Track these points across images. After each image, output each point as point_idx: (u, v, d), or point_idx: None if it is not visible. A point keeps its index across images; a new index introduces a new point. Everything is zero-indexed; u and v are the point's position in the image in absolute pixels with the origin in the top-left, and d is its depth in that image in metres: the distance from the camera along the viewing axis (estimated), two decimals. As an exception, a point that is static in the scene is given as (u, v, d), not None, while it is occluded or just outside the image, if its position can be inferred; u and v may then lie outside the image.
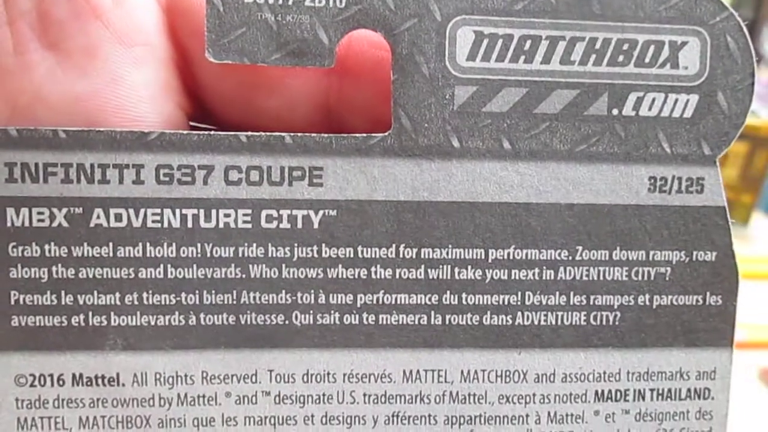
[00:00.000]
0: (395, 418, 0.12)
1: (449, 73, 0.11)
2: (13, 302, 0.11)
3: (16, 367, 0.11)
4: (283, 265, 0.11)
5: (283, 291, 0.11)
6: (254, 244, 0.11)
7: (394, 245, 0.11)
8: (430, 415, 0.12)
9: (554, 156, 0.12)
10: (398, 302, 0.12)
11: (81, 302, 0.11)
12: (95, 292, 0.11)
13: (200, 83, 0.12)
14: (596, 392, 0.12)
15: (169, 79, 0.11)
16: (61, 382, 0.11)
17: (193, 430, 0.12)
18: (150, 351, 0.11)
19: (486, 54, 0.11)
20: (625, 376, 0.12)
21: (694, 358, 0.12)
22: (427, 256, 0.12)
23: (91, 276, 0.11)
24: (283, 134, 0.11)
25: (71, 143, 0.11)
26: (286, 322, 0.11)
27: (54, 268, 0.11)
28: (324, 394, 0.12)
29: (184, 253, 0.11)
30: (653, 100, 0.12)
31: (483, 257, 0.12)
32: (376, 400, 0.12)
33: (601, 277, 0.12)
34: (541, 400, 0.12)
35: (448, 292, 0.12)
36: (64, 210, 0.11)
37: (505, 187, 0.12)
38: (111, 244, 0.11)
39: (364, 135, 0.11)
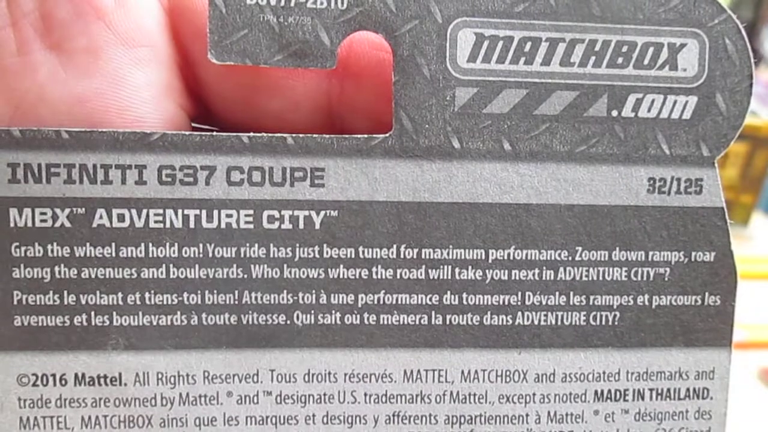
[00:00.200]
0: (396, 418, 0.12)
1: (450, 75, 0.11)
2: (15, 302, 0.11)
3: (18, 366, 0.11)
4: (285, 266, 0.11)
5: (285, 291, 0.11)
6: (256, 245, 0.11)
7: (395, 246, 0.12)
8: (430, 415, 0.12)
9: (554, 157, 0.12)
10: (399, 302, 0.12)
11: (83, 302, 0.11)
12: (98, 292, 0.11)
13: (202, 84, 0.12)
14: (596, 392, 0.12)
15: (172, 80, 0.12)
16: (63, 382, 0.11)
17: (194, 430, 0.12)
18: (152, 351, 0.11)
19: (486, 55, 0.11)
20: (624, 375, 0.12)
21: (693, 358, 0.12)
22: (427, 257, 0.12)
23: (93, 276, 0.11)
24: (284, 135, 0.11)
25: (74, 144, 0.11)
26: (288, 322, 0.12)
27: (57, 268, 0.11)
28: (325, 394, 0.12)
29: (186, 253, 0.11)
30: (652, 101, 0.12)
31: (483, 258, 0.12)
32: (377, 400, 0.12)
33: (601, 278, 0.12)
34: (541, 400, 0.12)
35: (449, 292, 0.12)
36: (67, 210, 0.11)
37: (506, 188, 0.12)
38: (113, 244, 0.11)
39: (366, 136, 0.11)
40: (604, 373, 0.12)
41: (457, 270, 0.12)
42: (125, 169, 0.11)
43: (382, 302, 0.12)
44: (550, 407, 0.12)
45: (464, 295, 0.12)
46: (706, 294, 0.12)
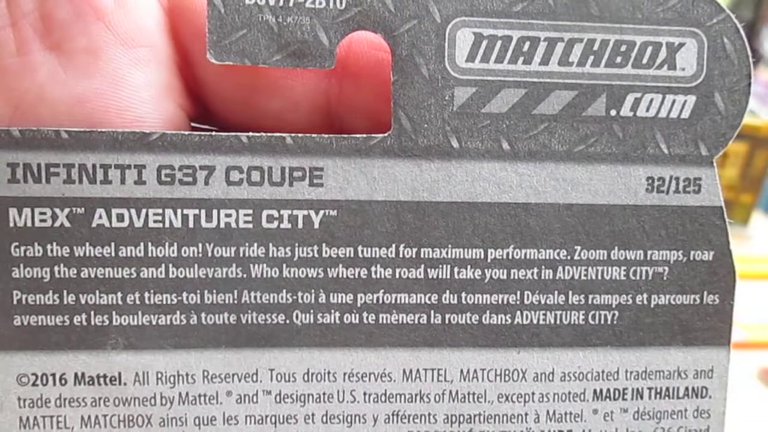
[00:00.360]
0: (395, 417, 0.12)
1: (449, 74, 0.11)
2: (15, 302, 0.11)
3: (18, 366, 0.11)
4: (284, 265, 0.11)
5: (284, 290, 0.11)
6: (255, 244, 0.11)
7: (394, 245, 0.12)
8: (429, 414, 0.12)
9: (553, 156, 0.12)
10: (398, 302, 0.12)
11: (83, 302, 0.11)
12: (97, 292, 0.11)
13: (202, 84, 0.12)
14: (595, 391, 0.12)
15: (171, 80, 0.12)
16: (63, 382, 0.11)
17: (194, 429, 0.12)
18: (151, 350, 0.11)
19: (485, 55, 0.11)
20: (623, 374, 0.12)
21: (692, 357, 0.12)
22: (426, 256, 0.12)
23: (92, 276, 0.11)
24: (283, 135, 0.11)
25: (73, 144, 0.11)
26: (287, 321, 0.12)
27: (56, 268, 0.11)
28: (324, 393, 0.12)
29: (185, 252, 0.11)
30: (651, 100, 0.12)
31: (482, 257, 0.12)
32: (376, 399, 0.12)
33: (600, 277, 0.12)
34: (540, 399, 0.12)
35: (448, 291, 0.12)
36: (66, 210, 0.11)
37: (504, 188, 0.12)
38: (113, 244, 0.11)
39: (365, 136, 0.11)
40: (603, 372, 0.12)
41: (456, 269, 0.12)
42: (124, 168, 0.11)
43: (381, 302, 0.12)
44: (549, 406, 0.12)
45: (463, 295, 0.12)
46: (705, 293, 0.12)
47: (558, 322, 0.12)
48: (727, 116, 0.12)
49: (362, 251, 0.12)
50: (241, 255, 0.11)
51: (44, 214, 0.11)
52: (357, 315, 0.12)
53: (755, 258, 0.56)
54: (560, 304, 0.12)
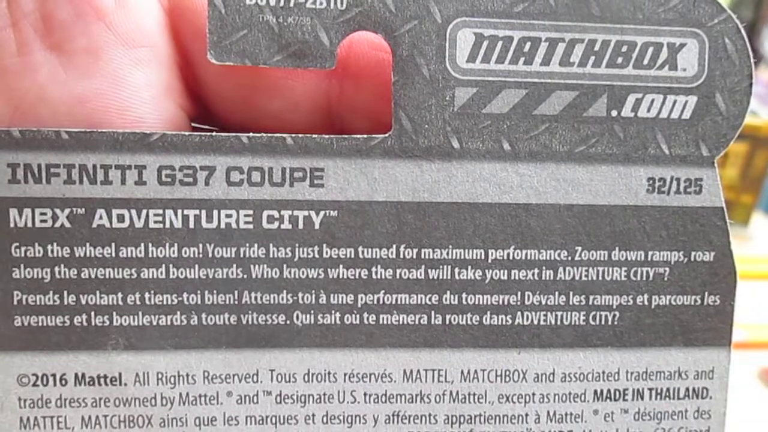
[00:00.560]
0: (395, 418, 0.12)
1: (449, 75, 0.11)
2: (15, 302, 0.11)
3: (18, 366, 0.11)
4: (285, 266, 0.11)
5: (285, 291, 0.11)
6: (255, 245, 0.11)
7: (394, 246, 0.12)
8: (430, 415, 0.12)
9: (554, 157, 0.12)
10: (399, 302, 0.12)
11: (83, 302, 0.11)
12: (97, 292, 0.11)
13: (202, 84, 0.12)
14: (595, 392, 0.12)
15: (171, 80, 0.12)
16: (63, 382, 0.11)
17: (194, 430, 0.12)
18: (152, 351, 0.11)
19: (486, 56, 0.11)
20: (623, 375, 0.12)
21: (693, 357, 0.12)
22: (427, 257, 0.12)
23: (93, 276, 0.11)
24: (284, 135, 0.11)
25: (74, 144, 0.11)
26: (288, 322, 0.12)
27: (56, 269, 0.11)
28: (325, 394, 0.12)
29: (185, 253, 0.11)
30: (652, 101, 0.12)
31: (483, 257, 0.12)
32: (376, 400, 0.12)
33: (600, 278, 0.12)
34: (541, 400, 0.12)
35: (448, 292, 0.12)
36: (67, 210, 0.11)
37: (505, 188, 0.12)
38: (113, 245, 0.11)
39: (365, 136, 0.11)
40: (603, 372, 0.12)
41: (456, 270, 0.12)
42: (125, 169, 0.11)
43: (381, 302, 0.12)
44: (550, 407, 0.12)
45: (464, 295, 0.12)
46: (706, 294, 0.12)
47: (558, 322, 0.12)
48: (728, 117, 0.12)
49: (363, 252, 0.12)
50: (242, 255, 0.11)
51: (45, 214, 0.11)
52: (357, 315, 0.12)
53: (755, 258, 0.56)
54: (561, 304, 0.12)
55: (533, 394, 0.12)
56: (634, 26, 0.11)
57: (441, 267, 0.12)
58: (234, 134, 0.11)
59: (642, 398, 0.12)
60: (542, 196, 0.12)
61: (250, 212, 0.11)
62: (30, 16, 0.11)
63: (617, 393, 0.12)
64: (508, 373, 0.12)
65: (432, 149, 0.11)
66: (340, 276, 0.12)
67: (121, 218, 0.11)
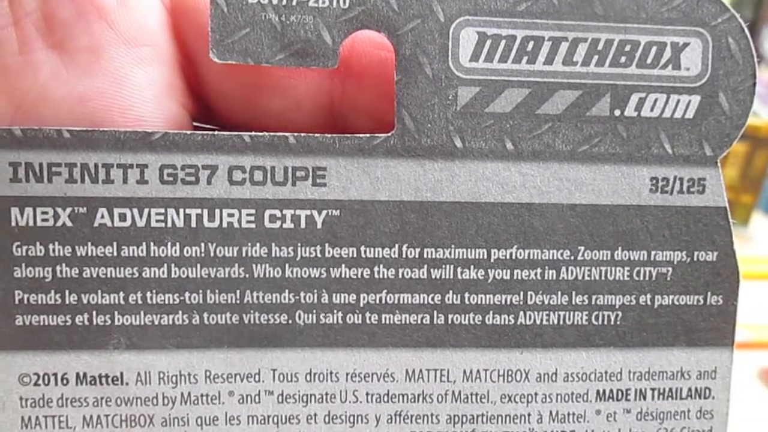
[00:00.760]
0: (398, 417, 0.12)
1: (452, 74, 0.11)
2: (17, 301, 0.11)
3: (20, 366, 0.11)
4: (287, 265, 0.11)
5: (287, 290, 0.11)
6: (258, 244, 0.11)
7: (397, 245, 0.12)
8: (432, 415, 0.12)
9: (557, 156, 0.12)
10: (401, 302, 0.12)
11: (85, 301, 0.11)
12: (99, 292, 0.11)
13: (204, 83, 0.12)
14: (598, 392, 0.12)
15: (173, 79, 0.12)
16: (65, 381, 0.11)
17: (196, 429, 0.12)
18: (154, 350, 0.11)
19: (489, 55, 0.11)
20: (626, 375, 0.12)
21: (695, 357, 0.12)
22: (429, 256, 0.12)
23: (95, 275, 0.11)
24: (286, 134, 0.11)
25: (75, 143, 0.11)
26: (290, 321, 0.12)
27: (58, 268, 0.11)
28: (327, 394, 0.12)
29: (187, 252, 0.11)
30: (655, 100, 0.12)
31: (485, 257, 0.12)
32: (378, 400, 0.12)
33: (603, 277, 0.12)
34: (543, 400, 0.12)
35: (451, 291, 0.12)
36: (68, 209, 0.11)
37: (508, 188, 0.12)
38: (115, 244, 0.11)
39: (368, 135, 0.11)
40: (606, 372, 0.12)
41: (459, 269, 0.12)
42: (127, 168, 0.11)
43: (384, 302, 0.12)
44: (552, 407, 0.12)
45: (466, 295, 0.12)
46: (709, 294, 0.12)
47: (561, 322, 0.12)
48: (731, 116, 0.12)
49: (365, 251, 0.11)
50: (244, 255, 0.11)
51: (46, 213, 0.11)
52: (360, 315, 0.12)
53: (756, 258, 0.56)
54: (563, 304, 0.12)
55: (536, 394, 0.12)
56: (637, 25, 0.11)
57: (444, 266, 0.12)
58: (236, 133, 0.11)
59: (645, 398, 0.12)
60: (545, 196, 0.12)
61: (253, 211, 0.11)
62: (32, 15, 0.11)
63: (620, 393, 0.12)
64: (510, 372, 0.12)
65: (435, 148, 0.11)
66: (343, 275, 0.12)
67: (122, 217, 0.11)
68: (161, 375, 0.11)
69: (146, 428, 0.11)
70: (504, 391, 0.12)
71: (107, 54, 0.11)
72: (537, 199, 0.12)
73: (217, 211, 0.11)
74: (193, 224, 0.11)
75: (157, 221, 0.11)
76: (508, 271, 0.12)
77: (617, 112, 0.12)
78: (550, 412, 0.12)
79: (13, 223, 0.11)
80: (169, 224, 0.11)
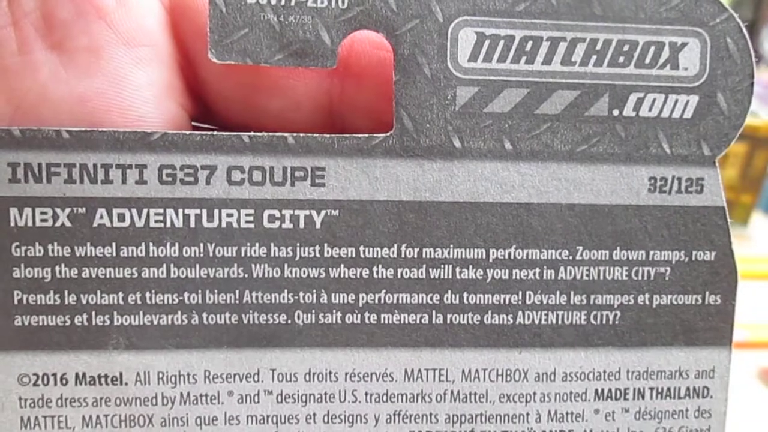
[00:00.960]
0: (397, 417, 0.12)
1: (451, 74, 0.11)
2: (16, 302, 0.11)
3: (19, 366, 0.11)
4: (286, 265, 0.11)
5: (286, 290, 0.11)
6: (257, 244, 0.11)
7: (395, 245, 0.12)
8: (431, 414, 0.12)
9: (555, 156, 0.12)
10: (400, 302, 0.12)
11: (84, 302, 0.11)
12: (98, 292, 0.11)
13: (203, 84, 0.12)
14: (596, 391, 0.12)
15: (172, 79, 0.12)
16: (64, 382, 0.11)
17: (195, 429, 0.12)
18: (153, 350, 0.11)
19: (487, 55, 0.11)
20: (624, 375, 0.12)
21: (694, 357, 0.12)
22: (428, 256, 0.12)
23: (94, 275, 0.11)
24: (285, 134, 0.11)
25: (74, 143, 0.11)
26: (289, 321, 0.12)
27: (57, 268, 0.11)
28: (326, 393, 0.12)
29: (186, 252, 0.11)
30: (653, 100, 0.12)
31: (484, 257, 0.12)
32: (377, 399, 0.12)
33: (602, 277, 0.12)
34: (542, 399, 0.12)
35: (450, 291, 0.12)
36: (67, 210, 0.11)
37: (507, 188, 0.12)
38: (114, 244, 0.11)
39: (366, 135, 0.11)
40: (604, 372, 0.12)
41: (457, 269, 0.12)
42: (126, 168, 0.11)
43: (382, 302, 0.12)
44: (551, 406, 0.12)
45: (465, 295, 0.12)
46: (707, 293, 0.12)
47: (560, 322, 0.12)
48: (729, 116, 0.12)
49: (364, 251, 0.11)
50: (243, 255, 0.11)
51: (45, 213, 0.11)
52: (359, 315, 0.12)
53: (755, 258, 0.56)
54: (562, 304, 0.12)
55: (534, 394, 0.12)
56: (635, 25, 0.11)
57: (442, 266, 0.12)
58: (235, 133, 0.11)
59: (643, 397, 0.12)
60: (544, 196, 0.12)
61: (251, 211, 0.11)
62: (31, 15, 0.11)
63: (618, 392, 0.12)
64: (509, 372, 0.12)
65: (433, 148, 0.11)
66: (342, 275, 0.12)
67: (121, 217, 0.11)
68: (160, 375, 0.11)
69: (145, 428, 0.12)
70: (503, 390, 0.12)
71: (106, 54, 0.11)
72: (535, 198, 0.12)
73: (216, 211, 0.11)
74: (192, 224, 0.11)
75: (156, 221, 0.11)
76: (507, 270, 0.12)
77: (616, 112, 0.12)
78: (549, 412, 0.12)
79: (12, 224, 0.11)
80: (168, 224, 0.11)
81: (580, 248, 0.12)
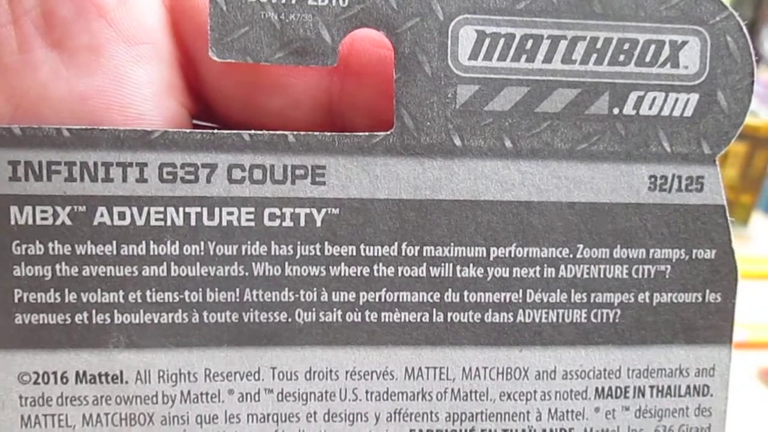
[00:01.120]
0: (397, 415, 0.12)
1: (451, 72, 0.11)
2: (16, 300, 0.11)
3: (19, 364, 0.11)
4: (286, 263, 0.11)
5: (286, 289, 0.11)
6: (257, 242, 0.11)
7: (396, 243, 0.12)
8: (432, 412, 0.12)
9: (555, 155, 0.12)
10: (400, 300, 0.12)
11: (84, 300, 0.11)
12: (99, 290, 0.11)
13: (203, 82, 0.12)
14: (597, 389, 0.12)
15: (173, 77, 0.12)
16: (64, 380, 0.11)
17: (196, 428, 0.12)
18: (153, 349, 0.11)
19: (488, 53, 0.11)
20: (625, 373, 0.12)
21: (694, 355, 0.12)
22: (429, 254, 0.12)
23: (94, 274, 0.11)
24: (286, 133, 0.11)
25: (75, 141, 0.11)
26: (289, 319, 0.12)
27: (57, 266, 0.11)
28: (326, 392, 0.12)
29: (187, 251, 0.11)
30: (654, 99, 0.12)
31: (485, 255, 0.12)
32: (378, 398, 0.12)
33: (602, 275, 0.12)
34: (542, 397, 0.12)
35: (450, 289, 0.12)
36: (68, 208, 0.11)
37: (507, 186, 0.12)
38: (114, 242, 0.11)
39: (367, 134, 0.11)
40: (605, 370, 0.12)
41: (458, 267, 0.12)
42: (126, 167, 0.11)
43: (383, 300, 0.12)
44: (551, 404, 0.12)
45: (465, 293, 0.12)
46: (707, 291, 0.12)
47: (560, 320, 0.12)
48: (729, 115, 0.12)
49: (364, 249, 0.11)
50: (243, 253, 0.11)
51: (45, 212, 0.11)
52: (359, 313, 0.12)
53: (755, 258, 0.56)
54: (562, 302, 0.12)
55: (535, 392, 0.12)
56: (636, 24, 0.11)
57: (443, 264, 0.12)
58: (235, 132, 0.11)
59: (643, 396, 0.12)
60: (544, 194, 0.12)
61: (252, 210, 0.11)
62: (31, 13, 0.11)
63: (618, 390, 0.12)
64: (509, 370, 0.12)
65: (434, 147, 0.11)
66: (342, 274, 0.12)
67: (122, 216, 0.11)
68: (161, 373, 0.11)
69: (146, 427, 0.12)
70: (503, 388, 0.12)
71: (107, 52, 0.11)
72: (536, 197, 0.12)
73: (217, 209, 0.11)
74: (193, 223, 0.11)
75: (157, 220, 0.11)
76: (507, 269, 0.12)
77: (616, 111, 0.12)
78: (549, 410, 0.12)
79: (13, 222, 0.11)
80: (169, 223, 0.11)
81: (581, 246, 0.12)
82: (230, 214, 0.11)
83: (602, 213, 0.12)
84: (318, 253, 0.11)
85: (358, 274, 0.12)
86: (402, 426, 0.12)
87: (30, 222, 0.11)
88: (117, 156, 0.11)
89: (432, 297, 0.12)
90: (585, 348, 0.12)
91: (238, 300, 0.11)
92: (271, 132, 0.11)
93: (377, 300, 0.12)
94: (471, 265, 0.12)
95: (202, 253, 0.11)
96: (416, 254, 0.12)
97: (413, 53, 0.11)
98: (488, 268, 0.12)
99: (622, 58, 0.11)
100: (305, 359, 0.12)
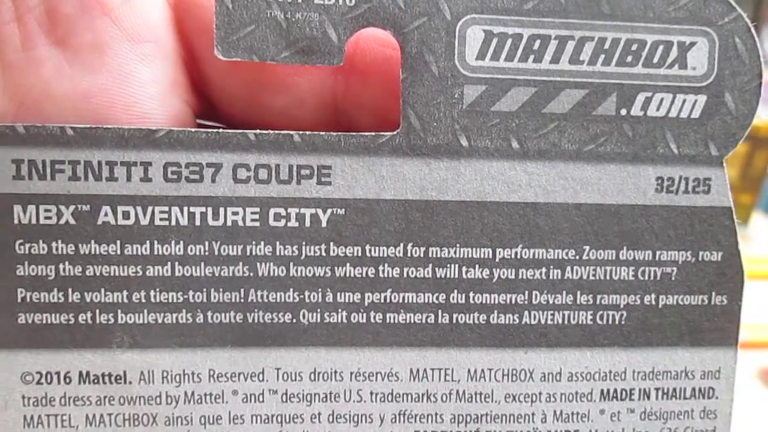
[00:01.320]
0: (402, 417, 0.12)
1: (458, 72, 0.11)
2: (19, 299, 0.11)
3: (22, 364, 0.11)
4: (291, 264, 0.11)
5: (291, 289, 0.11)
6: (262, 243, 0.11)
7: (402, 244, 0.11)
8: (436, 414, 0.12)
9: (562, 156, 0.12)
10: (406, 301, 0.12)
11: (88, 300, 0.11)
12: (102, 290, 0.11)
13: (208, 80, 0.12)
14: (602, 391, 0.12)
15: (177, 76, 0.11)
16: (67, 380, 0.11)
17: (200, 428, 0.12)
18: (157, 349, 0.11)
19: (495, 53, 0.11)
20: (630, 375, 0.12)
21: (699, 357, 0.12)
22: (434, 255, 0.12)
23: (98, 273, 0.11)
24: (291, 132, 0.11)
25: (79, 140, 0.11)
26: (294, 320, 0.11)
27: (61, 266, 0.11)
28: (331, 393, 0.12)
29: (191, 250, 0.11)
30: (661, 100, 0.12)
31: (490, 256, 0.12)
32: (383, 399, 0.12)
33: (608, 277, 0.12)
34: (547, 399, 0.12)
35: (456, 291, 0.12)
36: (72, 207, 0.11)
37: (514, 187, 0.12)
38: (118, 242, 0.11)
39: (373, 134, 0.11)
40: (610, 372, 0.12)
41: (464, 269, 0.12)
42: (130, 166, 0.11)
43: (388, 301, 0.12)
44: (557, 406, 0.12)
45: (471, 294, 0.12)
46: (713, 294, 0.12)
47: (566, 322, 0.12)
48: (737, 116, 0.12)
49: (370, 250, 0.11)
50: (248, 253, 0.11)
51: (49, 211, 0.11)
52: (364, 314, 0.12)
53: (755, 258, 0.56)
54: (568, 304, 0.12)
55: (540, 394, 0.12)
56: (644, 24, 0.11)
57: (448, 266, 0.12)
58: (241, 131, 0.11)
59: (648, 398, 0.12)
60: (550, 195, 0.12)
61: (257, 210, 0.11)
62: (35, 11, 0.11)
63: (624, 392, 0.12)
64: (514, 372, 0.12)
65: (440, 147, 0.11)
66: (347, 274, 0.11)
67: (126, 215, 0.11)
68: (164, 374, 0.11)
69: (149, 427, 0.11)
70: (508, 390, 0.12)
71: (111, 50, 0.11)
72: (542, 198, 0.12)
73: (222, 209, 0.11)
74: (197, 222, 0.11)
75: (161, 219, 0.11)
76: (513, 270, 0.12)
77: (623, 112, 0.12)
78: (554, 412, 0.12)
79: (16, 221, 0.11)
80: (173, 222, 0.11)
81: (587, 248, 0.12)
82: (235, 214, 0.11)
83: (609, 214, 0.12)
84: (323, 254, 0.11)
85: (364, 274, 0.11)
86: (407, 427, 0.12)
87: (33, 221, 0.11)
88: (121, 155, 0.11)
89: (437, 298, 0.12)
90: (590, 350, 0.12)
91: (242, 300, 0.11)
92: (277, 132, 0.11)
93: (382, 301, 0.12)
94: (477, 266, 0.12)
95: (207, 253, 0.11)
96: (422, 255, 0.12)
97: (420, 53, 0.11)
98: (494, 270, 0.12)
99: (630, 59, 0.11)
100: (310, 360, 0.12)
